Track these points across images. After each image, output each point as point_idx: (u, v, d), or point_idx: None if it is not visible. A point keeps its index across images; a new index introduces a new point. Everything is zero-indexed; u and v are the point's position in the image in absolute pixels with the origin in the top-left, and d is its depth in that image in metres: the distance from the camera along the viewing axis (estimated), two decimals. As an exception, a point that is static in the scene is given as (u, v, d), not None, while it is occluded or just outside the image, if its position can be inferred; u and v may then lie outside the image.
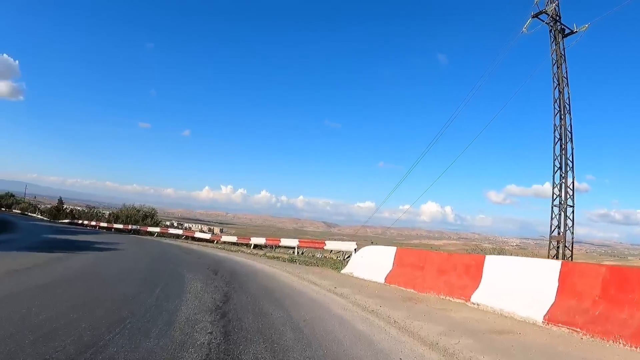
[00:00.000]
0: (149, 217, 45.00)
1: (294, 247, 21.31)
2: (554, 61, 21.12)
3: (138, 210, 45.73)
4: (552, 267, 6.37)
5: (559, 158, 20.61)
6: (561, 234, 20.13)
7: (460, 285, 7.79)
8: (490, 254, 12.83)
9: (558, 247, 20.22)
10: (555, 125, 20.82)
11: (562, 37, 21.11)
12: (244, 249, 24.48)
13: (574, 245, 20.75)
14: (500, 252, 20.52)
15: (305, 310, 6.48)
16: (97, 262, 12.90)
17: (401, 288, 9.30)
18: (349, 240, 19.97)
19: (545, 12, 20.92)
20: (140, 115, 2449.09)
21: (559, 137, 20.65)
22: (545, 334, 5.41)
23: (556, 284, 6.02)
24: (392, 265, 10.63)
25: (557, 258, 19.46)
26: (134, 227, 38.90)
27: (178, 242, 28.51)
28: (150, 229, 37.00)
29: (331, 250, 20.57)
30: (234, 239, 28.21)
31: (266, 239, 24.51)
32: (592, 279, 5.64)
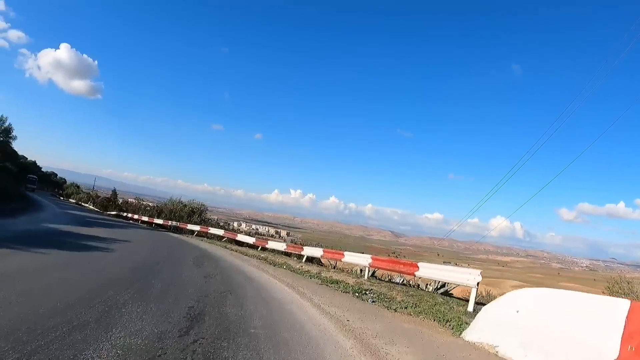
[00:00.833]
0: (196, 213, 39.90)
1: (363, 266, 14.06)
2: None
3: (185, 205, 40.75)
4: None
5: None
6: None
7: None
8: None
9: None
10: None
11: None
12: (292, 261, 17.81)
13: None
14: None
15: None
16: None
17: None
18: (464, 266, 12.91)
19: None
20: (213, 117, 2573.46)
21: None
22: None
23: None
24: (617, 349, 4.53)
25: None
26: (174, 223, 33.72)
27: (212, 246, 22.62)
28: (189, 226, 31.64)
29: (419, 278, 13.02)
30: (282, 246, 21.65)
31: (324, 251, 17.49)
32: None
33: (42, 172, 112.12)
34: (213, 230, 28.94)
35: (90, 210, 50.76)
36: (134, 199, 49.89)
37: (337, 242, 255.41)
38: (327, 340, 5.80)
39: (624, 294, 13.15)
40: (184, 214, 38.81)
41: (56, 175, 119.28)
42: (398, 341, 6.09)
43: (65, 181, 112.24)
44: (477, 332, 6.54)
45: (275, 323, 6.37)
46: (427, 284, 13.89)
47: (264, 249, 22.99)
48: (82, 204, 62.72)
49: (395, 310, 8.46)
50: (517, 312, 6.22)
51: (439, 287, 13.24)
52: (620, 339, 4.61)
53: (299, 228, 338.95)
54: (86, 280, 7.53)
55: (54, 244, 12.11)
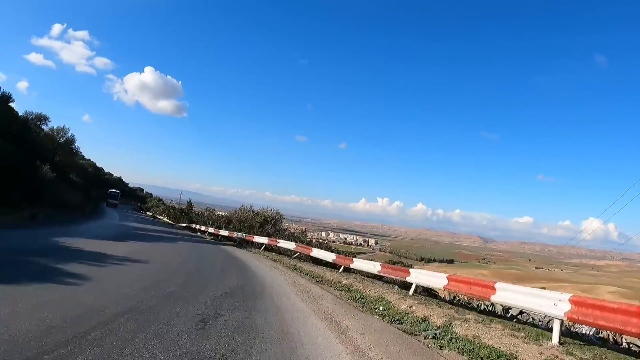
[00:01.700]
0: (269, 223, 34.41)
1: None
2: None
3: (256, 214, 35.46)
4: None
5: None
6: None
7: None
8: None
9: None
10: None
11: None
12: (392, 293, 11.05)
13: None
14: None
15: None
16: None
17: None
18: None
19: None
20: (297, 129, 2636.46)
21: None
22: None
23: None
24: None
25: None
26: (239, 235, 28.39)
27: (274, 267, 16.56)
28: (257, 239, 25.99)
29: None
30: (374, 267, 14.51)
31: (449, 278, 10.26)
32: None
33: (129, 187, 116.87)
34: (283, 244, 22.93)
35: (161, 223, 48.10)
36: (206, 209, 45.28)
37: (426, 249, 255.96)
38: None
39: None
40: (255, 223, 33.49)
41: (142, 190, 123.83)
42: None
43: (151, 195, 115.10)
44: None
45: None
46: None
47: (347, 269, 16.42)
48: (157, 216, 61.22)
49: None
50: None
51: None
52: None
53: (387, 236, 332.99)
54: None
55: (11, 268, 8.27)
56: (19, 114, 43.28)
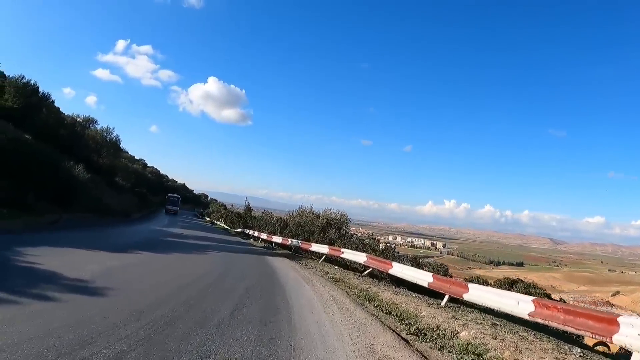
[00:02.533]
0: (333, 226, 28.28)
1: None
2: None
3: (317, 216, 29.44)
4: None
5: None
6: None
7: None
8: None
9: None
10: None
11: None
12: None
13: None
14: None
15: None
16: None
17: None
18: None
19: None
20: (362, 133, 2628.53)
21: None
22: None
23: None
24: None
25: None
26: (294, 242, 22.56)
27: (333, 297, 10.23)
28: (314, 247, 19.94)
29: None
30: (524, 304, 7.78)
31: None
32: None
33: (193, 194, 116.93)
34: (349, 254, 16.55)
35: (216, 229, 43.79)
36: (262, 212, 39.90)
37: (495, 252, 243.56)
38: None
39: None
40: (316, 227, 27.49)
41: (207, 196, 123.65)
42: None
43: (215, 201, 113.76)
44: None
45: None
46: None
47: (455, 300, 9.83)
48: (215, 222, 57.32)
49: None
50: None
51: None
52: None
53: (455, 239, 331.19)
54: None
55: None
56: (65, 115, 41.00)
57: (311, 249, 20.28)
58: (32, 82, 35.08)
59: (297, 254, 21.92)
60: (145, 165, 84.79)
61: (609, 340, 5.93)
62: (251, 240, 32.54)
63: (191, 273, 10.79)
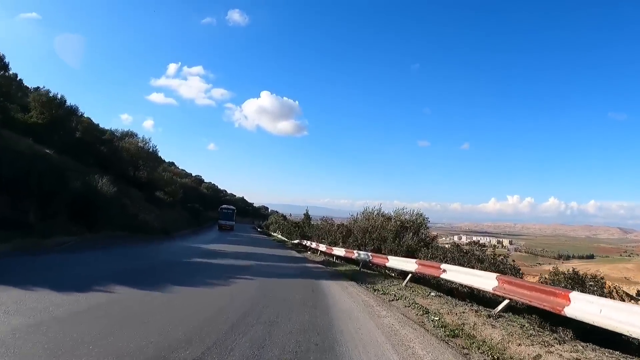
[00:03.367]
0: (409, 230, 21.59)
1: None
2: None
3: (388, 218, 22.92)
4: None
5: None
6: None
7: None
8: None
9: None
10: None
11: None
12: None
13: None
14: None
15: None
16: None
17: None
18: None
19: None
20: (418, 134, 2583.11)
21: None
22: None
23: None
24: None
25: None
26: (362, 255, 16.18)
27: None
28: (391, 261, 13.42)
29: None
30: None
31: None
32: None
33: (253, 206, 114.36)
34: (455, 274, 9.79)
35: (272, 241, 38.45)
36: (321, 219, 33.62)
37: (563, 245, 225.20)
38: None
39: None
40: (388, 233, 21.02)
41: (267, 208, 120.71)
42: None
43: (276, 212, 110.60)
44: None
45: None
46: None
47: None
48: (272, 233, 52.12)
49: None
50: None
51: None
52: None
53: (520, 235, 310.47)
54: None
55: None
56: (103, 128, 37.68)
57: (388, 264, 13.84)
58: (58, 95, 32.04)
59: (366, 270, 15.70)
60: (201, 180, 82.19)
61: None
62: (308, 253, 26.48)
63: (175, 331, 5.00)
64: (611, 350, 5.84)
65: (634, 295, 39.27)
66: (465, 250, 14.40)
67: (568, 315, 6.21)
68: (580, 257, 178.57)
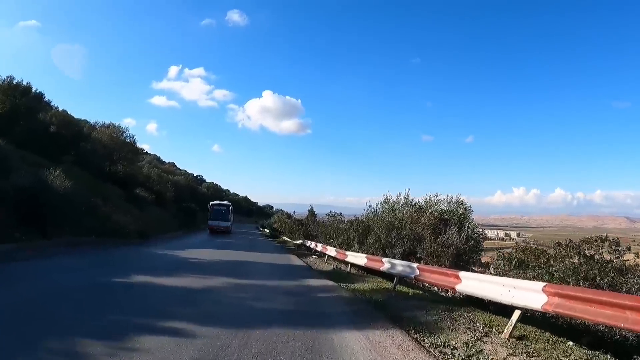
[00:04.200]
0: (451, 224, 15.68)
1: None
2: None
3: (420, 210, 16.98)
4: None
5: None
6: None
7: None
8: None
9: None
10: None
11: None
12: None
13: None
14: None
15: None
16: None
17: None
18: None
19: None
20: (421, 129, 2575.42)
21: None
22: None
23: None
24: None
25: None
26: (399, 267, 10.33)
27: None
28: (467, 282, 7.50)
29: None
30: None
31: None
32: None
33: (257, 206, 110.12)
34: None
35: (270, 243, 33.03)
36: (328, 215, 27.85)
37: (571, 237, 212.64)
38: None
39: None
40: (425, 229, 15.31)
41: (271, 207, 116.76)
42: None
43: (281, 211, 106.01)
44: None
45: None
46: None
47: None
48: (267, 231, 50.16)
49: None
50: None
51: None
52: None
53: (528, 227, 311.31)
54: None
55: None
56: (75, 118, 32.51)
57: (460, 287, 7.61)
58: (23, 82, 27.51)
59: (402, 288, 10.14)
60: (201, 180, 76.91)
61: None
62: (312, 258, 20.82)
63: None
64: None
65: None
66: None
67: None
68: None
